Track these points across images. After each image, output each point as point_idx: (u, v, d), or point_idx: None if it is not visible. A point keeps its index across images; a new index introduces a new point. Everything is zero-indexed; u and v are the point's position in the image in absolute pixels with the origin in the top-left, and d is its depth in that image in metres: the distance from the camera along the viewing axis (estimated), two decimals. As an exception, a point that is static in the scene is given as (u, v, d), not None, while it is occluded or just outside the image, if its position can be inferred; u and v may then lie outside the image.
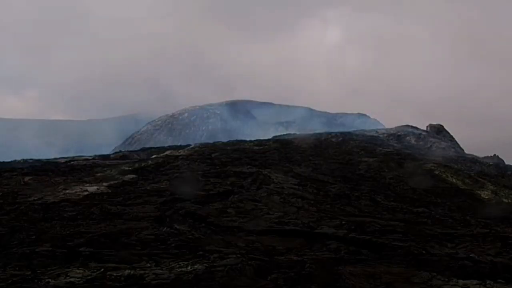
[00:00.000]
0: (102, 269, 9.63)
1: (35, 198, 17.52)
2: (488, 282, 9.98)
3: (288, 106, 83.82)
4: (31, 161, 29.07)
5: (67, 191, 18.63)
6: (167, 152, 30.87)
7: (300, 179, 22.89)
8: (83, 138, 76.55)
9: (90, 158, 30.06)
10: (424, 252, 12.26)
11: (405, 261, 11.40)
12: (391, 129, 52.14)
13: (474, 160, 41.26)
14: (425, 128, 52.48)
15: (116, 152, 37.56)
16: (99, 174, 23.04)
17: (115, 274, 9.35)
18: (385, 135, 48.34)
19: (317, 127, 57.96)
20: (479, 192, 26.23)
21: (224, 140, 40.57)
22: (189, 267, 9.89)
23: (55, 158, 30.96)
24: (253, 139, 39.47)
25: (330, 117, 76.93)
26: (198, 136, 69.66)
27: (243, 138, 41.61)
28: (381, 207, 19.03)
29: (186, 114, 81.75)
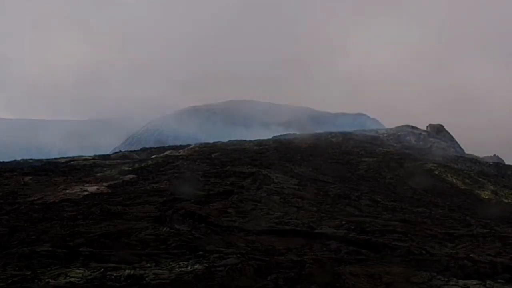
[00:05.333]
0: (102, 269, 9.62)
1: (35, 198, 17.51)
2: (488, 282, 9.97)
3: (288, 106, 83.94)
4: (31, 161, 29.06)
5: (67, 191, 18.63)
6: (167, 152, 30.88)
7: (300, 179, 22.88)
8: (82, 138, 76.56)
9: (90, 158, 30.06)
10: (424, 252, 12.25)
11: (405, 261, 11.40)
12: (391, 129, 52.17)
13: (474, 160, 41.24)
14: (425, 128, 52.47)
15: (116, 152, 37.55)
16: (99, 174, 23.05)
17: (115, 274, 9.34)
18: (385, 135, 48.38)
19: (317, 127, 57.99)
20: (479, 192, 26.24)
21: (224, 140, 40.55)
22: (189, 267, 9.89)
23: (55, 158, 30.96)
24: (253, 139, 39.47)
25: (330, 117, 77.04)
26: (198, 136, 69.68)
27: (243, 138, 41.58)
28: (381, 207, 19.02)
29: (186, 114, 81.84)
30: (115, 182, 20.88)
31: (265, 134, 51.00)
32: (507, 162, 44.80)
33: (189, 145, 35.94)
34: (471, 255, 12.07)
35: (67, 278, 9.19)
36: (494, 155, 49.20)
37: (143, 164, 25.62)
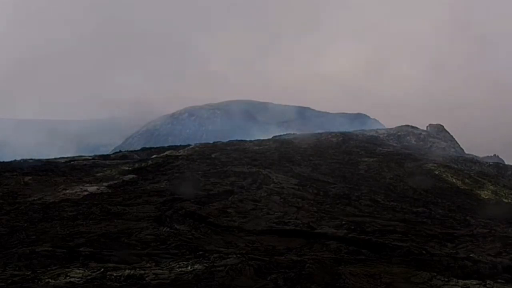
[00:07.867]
0: (102, 269, 9.63)
1: (35, 198, 17.52)
2: (488, 282, 9.98)
3: (288, 106, 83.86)
4: (31, 161, 29.02)
5: (67, 191, 18.64)
6: (167, 152, 30.84)
7: (300, 179, 22.88)
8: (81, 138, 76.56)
9: (90, 158, 30.03)
10: (424, 252, 12.27)
11: (405, 261, 11.41)
12: (391, 129, 52.08)
13: (474, 160, 41.19)
14: (425, 128, 52.42)
15: (116, 152, 37.51)
16: (99, 174, 23.04)
17: (115, 274, 9.35)
18: (385, 135, 48.32)
19: (317, 127, 57.93)
20: (479, 192, 26.24)
21: (224, 140, 40.52)
22: (189, 267, 9.90)
23: (55, 158, 30.93)
24: (253, 139, 39.46)
25: (330, 117, 77.01)
26: (198, 136, 69.63)
27: (243, 138, 41.56)
28: (381, 207, 19.03)
29: (186, 114, 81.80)
30: (115, 182, 20.89)
31: (265, 134, 51.00)
32: (507, 162, 44.71)
33: (189, 145, 35.89)
34: (471, 255, 12.09)
35: (67, 278, 9.20)
36: (494, 155, 49.14)
37: (143, 164, 25.61)
